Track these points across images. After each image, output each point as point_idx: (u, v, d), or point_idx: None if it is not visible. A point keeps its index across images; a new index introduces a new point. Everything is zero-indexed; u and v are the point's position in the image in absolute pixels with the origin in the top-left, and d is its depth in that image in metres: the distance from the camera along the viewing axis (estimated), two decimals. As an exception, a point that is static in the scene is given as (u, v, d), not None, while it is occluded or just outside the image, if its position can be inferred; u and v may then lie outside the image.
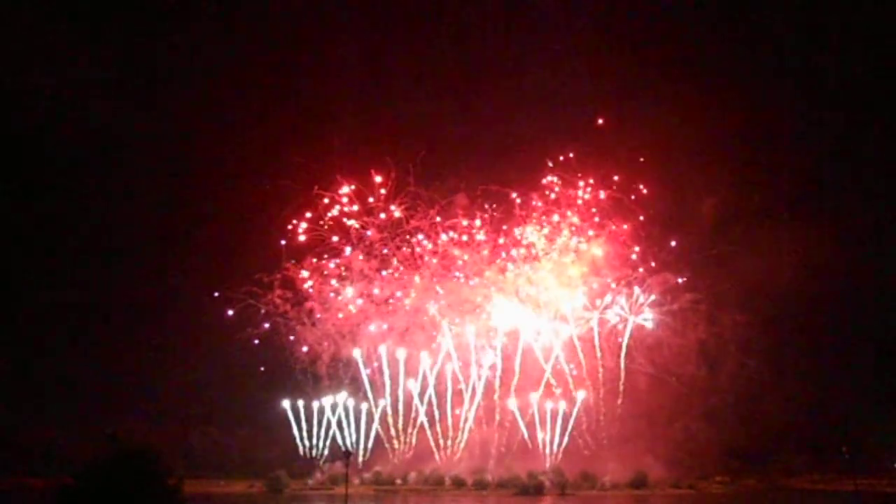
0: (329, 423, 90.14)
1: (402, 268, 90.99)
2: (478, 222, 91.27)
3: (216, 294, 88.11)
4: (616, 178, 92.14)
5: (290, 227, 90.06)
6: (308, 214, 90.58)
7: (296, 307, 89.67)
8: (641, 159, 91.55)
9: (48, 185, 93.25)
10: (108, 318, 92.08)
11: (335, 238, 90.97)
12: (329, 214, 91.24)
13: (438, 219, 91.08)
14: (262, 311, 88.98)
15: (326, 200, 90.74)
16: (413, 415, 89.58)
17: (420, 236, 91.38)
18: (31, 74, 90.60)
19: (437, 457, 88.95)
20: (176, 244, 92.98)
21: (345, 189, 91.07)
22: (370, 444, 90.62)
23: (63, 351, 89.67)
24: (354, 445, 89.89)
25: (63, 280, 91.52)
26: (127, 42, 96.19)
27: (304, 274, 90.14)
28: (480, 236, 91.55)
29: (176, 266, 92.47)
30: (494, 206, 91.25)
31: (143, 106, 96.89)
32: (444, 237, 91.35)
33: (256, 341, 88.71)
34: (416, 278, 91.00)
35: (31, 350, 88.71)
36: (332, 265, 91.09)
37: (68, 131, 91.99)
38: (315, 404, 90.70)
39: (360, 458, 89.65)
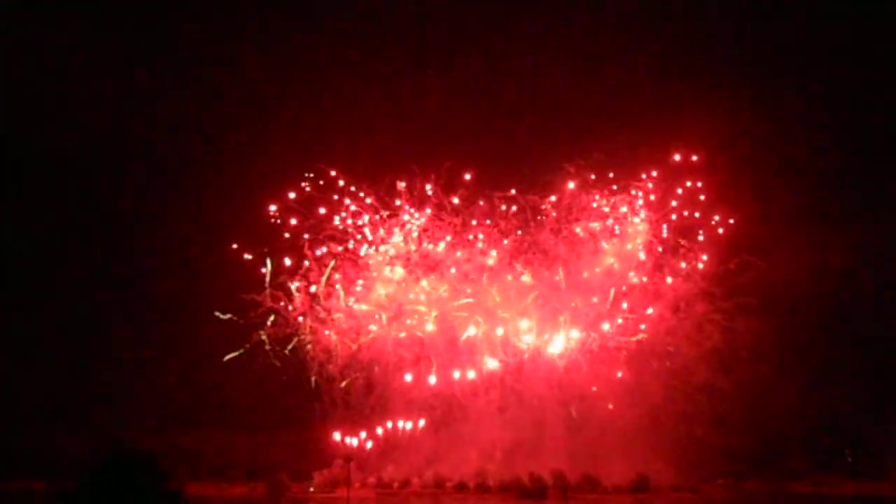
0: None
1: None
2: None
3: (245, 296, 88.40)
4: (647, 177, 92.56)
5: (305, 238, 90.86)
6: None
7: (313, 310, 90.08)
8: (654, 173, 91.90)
9: (56, 181, 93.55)
10: (110, 319, 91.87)
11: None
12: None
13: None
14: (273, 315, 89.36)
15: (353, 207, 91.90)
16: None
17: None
18: (31, 74, 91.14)
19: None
20: (184, 247, 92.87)
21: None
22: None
23: (64, 352, 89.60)
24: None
25: (65, 280, 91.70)
26: (145, 40, 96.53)
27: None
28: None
29: (185, 268, 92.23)
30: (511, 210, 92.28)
31: (149, 107, 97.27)
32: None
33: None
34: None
35: (33, 351, 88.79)
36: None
37: (75, 128, 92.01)
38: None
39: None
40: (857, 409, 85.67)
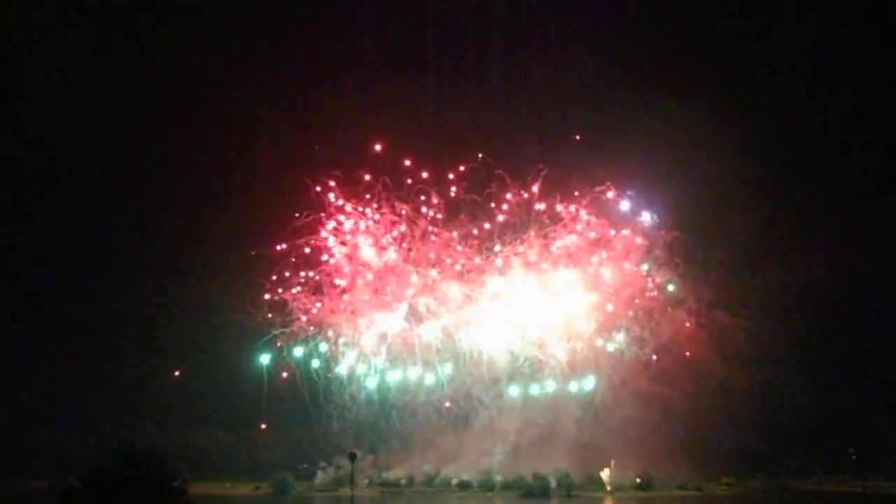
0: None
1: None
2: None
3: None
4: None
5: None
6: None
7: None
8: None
9: (56, 183, 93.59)
10: (113, 320, 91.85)
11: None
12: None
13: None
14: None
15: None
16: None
17: None
18: (34, 77, 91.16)
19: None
20: (181, 246, 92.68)
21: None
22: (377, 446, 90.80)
23: (69, 353, 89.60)
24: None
25: (69, 282, 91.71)
26: (137, 44, 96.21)
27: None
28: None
29: (183, 268, 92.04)
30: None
31: (139, 108, 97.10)
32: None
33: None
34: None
35: (37, 352, 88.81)
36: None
37: (79, 133, 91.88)
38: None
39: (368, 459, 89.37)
40: (861, 408, 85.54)
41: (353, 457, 69.54)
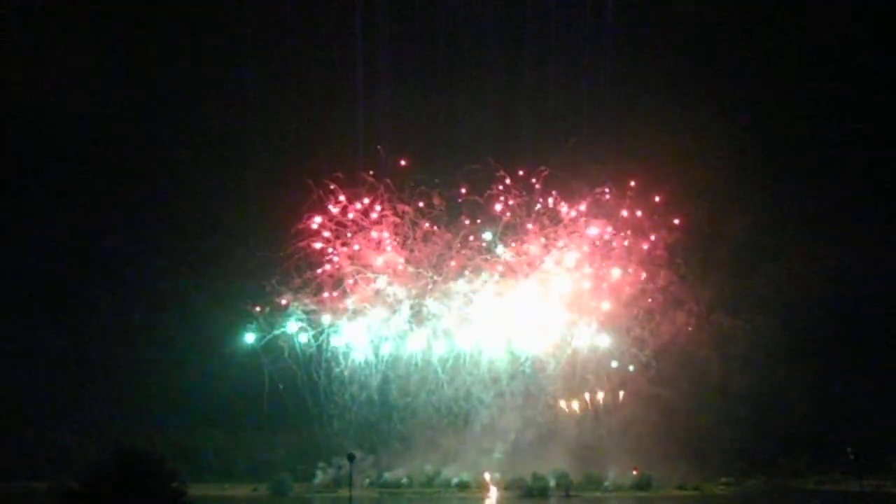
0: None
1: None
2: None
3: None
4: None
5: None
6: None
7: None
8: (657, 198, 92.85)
9: (57, 182, 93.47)
10: (113, 322, 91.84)
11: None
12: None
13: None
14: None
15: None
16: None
17: None
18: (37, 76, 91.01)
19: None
20: (181, 247, 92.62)
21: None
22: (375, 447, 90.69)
23: (69, 354, 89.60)
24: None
25: (69, 283, 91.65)
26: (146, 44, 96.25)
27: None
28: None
29: (183, 270, 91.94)
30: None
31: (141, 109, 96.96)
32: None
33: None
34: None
35: (38, 353, 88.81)
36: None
37: (79, 135, 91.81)
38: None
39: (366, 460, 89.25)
40: (861, 408, 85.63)
41: (351, 457, 69.49)
